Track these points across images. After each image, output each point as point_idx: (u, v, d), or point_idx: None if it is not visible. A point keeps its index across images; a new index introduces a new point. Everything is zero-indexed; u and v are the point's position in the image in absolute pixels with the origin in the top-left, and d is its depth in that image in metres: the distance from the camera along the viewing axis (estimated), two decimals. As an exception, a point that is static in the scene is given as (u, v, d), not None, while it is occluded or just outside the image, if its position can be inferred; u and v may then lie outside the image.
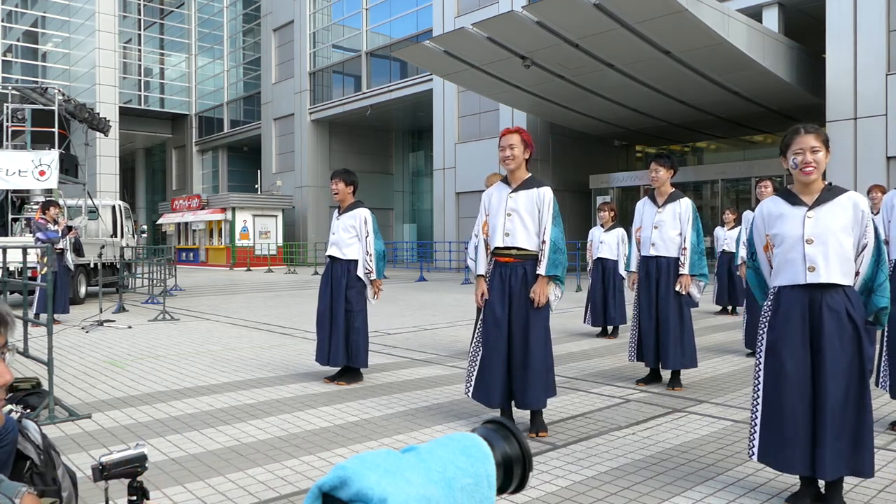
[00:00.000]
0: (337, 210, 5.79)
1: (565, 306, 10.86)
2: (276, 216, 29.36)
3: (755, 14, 16.33)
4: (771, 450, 2.97)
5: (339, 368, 5.64)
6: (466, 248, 20.07)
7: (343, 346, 5.53)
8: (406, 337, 8.23)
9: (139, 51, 42.12)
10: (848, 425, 2.86)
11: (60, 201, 13.62)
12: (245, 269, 26.36)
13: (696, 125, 21.16)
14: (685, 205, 5.31)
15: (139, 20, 42.17)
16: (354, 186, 5.68)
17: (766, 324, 3.06)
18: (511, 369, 4.10)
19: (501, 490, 0.96)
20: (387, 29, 28.31)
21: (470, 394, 4.20)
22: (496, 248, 4.19)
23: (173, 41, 42.17)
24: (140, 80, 41.61)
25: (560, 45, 14.84)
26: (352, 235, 5.58)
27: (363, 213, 5.61)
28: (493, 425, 1.00)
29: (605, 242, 8.19)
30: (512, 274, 4.12)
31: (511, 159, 4.13)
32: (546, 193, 4.13)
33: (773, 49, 15.52)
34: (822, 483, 3.03)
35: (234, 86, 38.79)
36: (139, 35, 42.26)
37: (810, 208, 2.98)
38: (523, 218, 4.11)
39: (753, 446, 3.03)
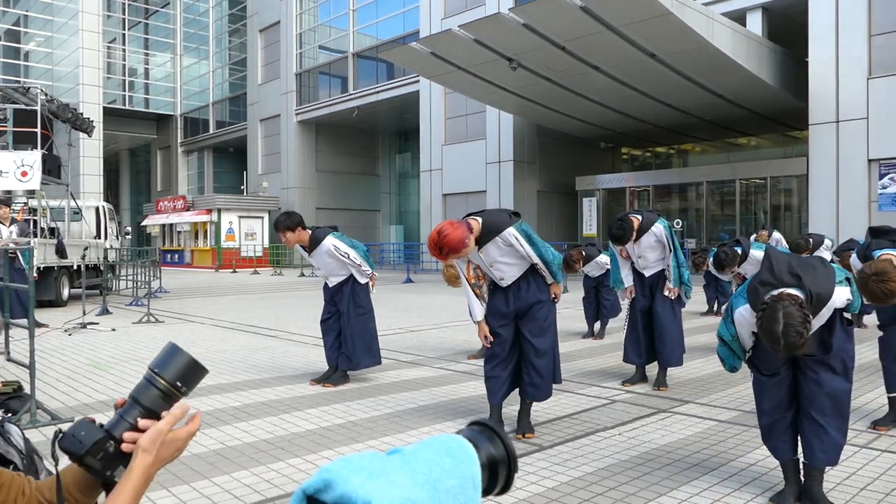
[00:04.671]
0: (302, 248, 5.70)
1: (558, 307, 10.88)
2: (262, 218, 29.22)
3: (739, 18, 16.48)
4: (766, 438, 3.18)
5: (346, 370, 5.67)
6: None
7: (363, 349, 5.60)
8: (392, 339, 8.21)
9: (123, 50, 41.78)
10: (829, 412, 3.02)
11: (43, 202, 13.48)
12: (231, 270, 26.21)
13: (682, 128, 21.31)
14: (659, 231, 5.37)
15: (123, 19, 41.83)
16: (300, 224, 5.55)
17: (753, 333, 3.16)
18: (517, 367, 4.24)
19: (487, 491, 0.96)
20: (373, 30, 28.28)
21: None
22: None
23: (158, 41, 41.87)
24: (124, 81, 41.28)
25: (546, 47, 14.89)
26: (335, 262, 5.62)
27: (329, 244, 5.51)
28: (479, 427, 1.00)
29: (590, 271, 8.23)
30: (516, 286, 4.21)
31: (464, 255, 4.05)
32: (508, 236, 4.05)
33: (757, 53, 15.66)
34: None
35: (220, 86, 38.57)
36: (123, 34, 41.92)
37: None
38: (504, 262, 4.16)
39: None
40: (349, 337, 5.58)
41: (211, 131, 38.60)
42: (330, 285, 5.76)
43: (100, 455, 1.06)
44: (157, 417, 1.11)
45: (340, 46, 29.39)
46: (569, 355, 7.00)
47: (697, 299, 10.59)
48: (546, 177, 22.34)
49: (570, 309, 10.01)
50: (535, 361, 4.15)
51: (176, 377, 1.13)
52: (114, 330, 9.07)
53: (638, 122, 20.34)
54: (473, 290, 4.29)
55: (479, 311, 4.27)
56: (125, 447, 1.08)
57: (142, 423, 1.09)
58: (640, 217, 5.43)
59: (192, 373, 1.14)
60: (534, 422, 4.28)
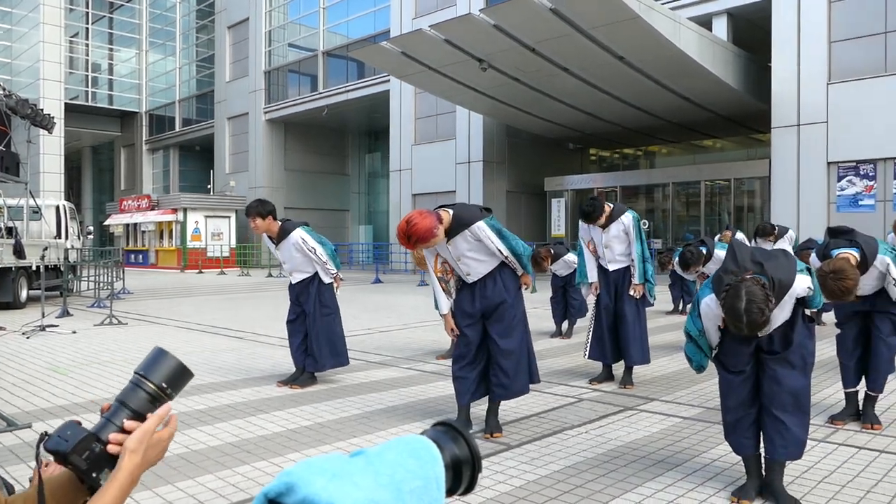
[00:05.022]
0: (269, 239, 5.64)
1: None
2: (229, 217, 28.84)
3: (705, 23, 16.76)
4: (729, 435, 3.23)
5: (314, 372, 5.61)
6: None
7: (328, 350, 5.55)
8: (361, 339, 8.18)
9: (86, 45, 40.88)
10: (788, 412, 3.08)
11: (0, 201, 13.14)
12: (197, 271, 25.83)
13: (649, 130, 21.59)
14: (628, 220, 5.45)
15: (87, 13, 40.94)
16: (272, 214, 5.51)
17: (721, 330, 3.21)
18: (486, 367, 4.22)
19: (451, 492, 0.96)
20: (344, 29, 28.12)
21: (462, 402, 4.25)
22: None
23: (123, 36, 41.06)
24: (87, 76, 40.39)
25: (517, 48, 14.96)
26: (302, 257, 5.55)
27: (298, 236, 5.49)
28: (443, 428, 1.00)
29: (558, 270, 8.31)
30: (482, 283, 4.19)
31: (432, 245, 4.04)
32: (477, 230, 4.05)
33: (723, 57, 15.95)
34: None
35: (187, 83, 37.98)
36: (87, 29, 41.02)
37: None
38: (472, 257, 4.15)
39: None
40: (314, 338, 5.53)
41: (177, 129, 37.99)
42: (294, 282, 5.67)
43: (86, 454, 1.05)
44: (144, 420, 1.10)
45: (310, 44, 29.16)
46: (537, 354, 7.03)
47: (663, 298, 10.76)
48: (515, 177, 22.44)
49: (538, 308, 10.06)
50: (501, 362, 4.15)
51: (163, 380, 1.13)
52: (74, 332, 8.87)
53: (606, 123, 20.56)
54: (441, 285, 4.29)
55: (445, 304, 4.29)
56: (111, 448, 1.06)
57: (128, 424, 1.08)
58: (611, 205, 5.52)
59: (179, 376, 1.16)
60: (502, 421, 4.30)
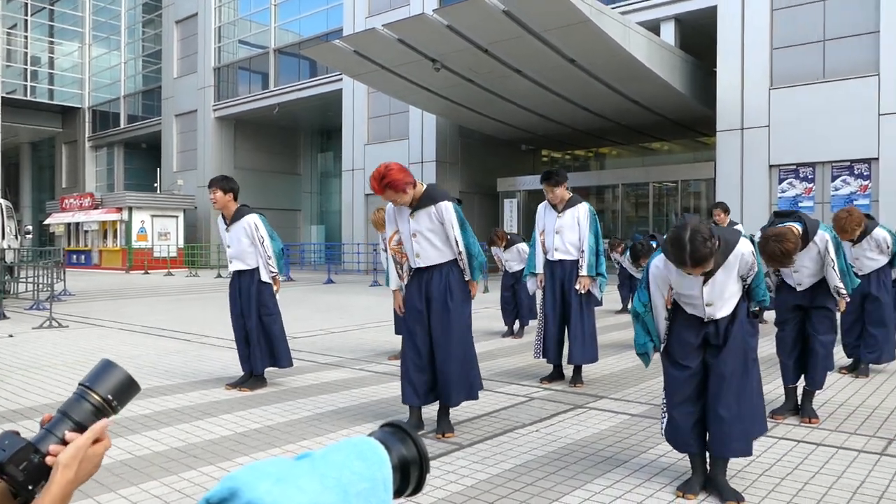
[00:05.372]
0: (222, 220, 5.54)
1: (475, 306, 10.99)
2: (176, 217, 28.17)
3: (654, 28, 17.13)
4: (672, 433, 3.26)
5: (258, 373, 5.50)
6: (375, 251, 19.93)
7: (266, 351, 5.44)
8: (312, 340, 8.09)
9: (25, 37, 39.38)
10: (737, 408, 3.13)
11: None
12: (142, 272, 25.16)
13: (599, 132, 21.96)
14: (583, 210, 5.52)
15: (25, 4, 39.44)
16: (234, 193, 5.44)
17: (667, 327, 3.27)
18: (434, 369, 4.15)
19: (399, 492, 0.95)
20: (296, 26, 27.77)
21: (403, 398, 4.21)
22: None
23: (65, 29, 39.69)
24: (26, 70, 38.91)
25: (470, 49, 15.02)
26: (248, 244, 5.44)
27: (252, 220, 5.42)
28: (391, 429, 1.00)
29: (510, 260, 8.43)
30: (429, 279, 4.15)
31: (403, 204, 4.06)
32: (444, 209, 4.07)
33: (670, 62, 16.33)
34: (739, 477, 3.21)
35: (133, 79, 36.95)
36: (25, 20, 39.52)
37: (706, 279, 3.11)
38: (428, 237, 4.10)
39: (663, 426, 3.33)
40: (255, 340, 5.41)
41: (122, 126, 36.91)
42: (231, 269, 5.52)
43: (23, 465, 1.01)
44: None
45: (261, 42, 28.71)
46: (489, 354, 7.08)
47: (612, 297, 10.96)
48: (468, 178, 22.54)
49: (489, 308, 10.12)
50: (441, 368, 4.09)
51: (109, 392, 1.10)
52: (11, 336, 8.53)
53: (558, 125, 20.82)
54: (395, 267, 4.30)
55: (396, 281, 4.33)
56: (50, 460, 1.02)
57: (69, 436, 1.04)
58: (571, 194, 5.58)
59: (126, 389, 1.12)
60: (453, 421, 4.31)
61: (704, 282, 3.09)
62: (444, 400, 4.15)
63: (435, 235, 4.09)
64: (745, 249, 3.12)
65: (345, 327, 9.30)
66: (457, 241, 4.08)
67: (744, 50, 16.20)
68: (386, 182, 3.88)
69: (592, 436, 4.12)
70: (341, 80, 23.84)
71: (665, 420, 3.30)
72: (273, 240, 5.49)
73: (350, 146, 24.49)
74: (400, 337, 5.52)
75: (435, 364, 4.15)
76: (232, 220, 5.46)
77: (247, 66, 29.49)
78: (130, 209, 26.83)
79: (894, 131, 14.86)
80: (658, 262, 3.17)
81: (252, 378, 5.48)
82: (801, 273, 4.45)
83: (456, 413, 4.46)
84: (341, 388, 5.49)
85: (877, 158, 15.10)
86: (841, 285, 4.37)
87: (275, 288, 5.55)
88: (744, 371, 3.15)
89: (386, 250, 4.56)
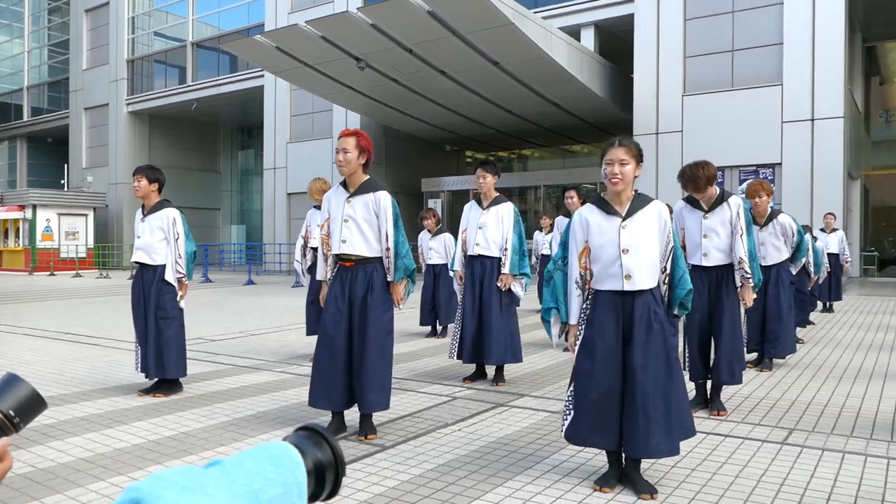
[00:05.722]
0: (141, 210, 5.34)
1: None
2: (86, 215, 26.81)
3: (574, 33, 17.58)
4: (581, 431, 3.23)
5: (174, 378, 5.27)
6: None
7: (158, 353, 5.17)
8: (231, 343, 7.87)
9: (-84, 22, 36.65)
10: (662, 408, 3.15)
11: None
12: (48, 273, 23.84)
13: (522, 134, 22.34)
14: (507, 208, 5.59)
15: (-84, -13, 36.70)
16: (160, 184, 5.27)
17: (584, 320, 3.30)
18: (351, 372, 4.06)
19: (314, 497, 0.94)
20: (215, 19, 26.97)
21: (311, 402, 4.10)
22: (336, 254, 4.14)
23: (-40, 15, 37.18)
24: (-84, 57, 36.23)
25: (394, 49, 14.99)
26: (160, 238, 5.22)
27: (171, 214, 5.24)
28: (305, 432, 0.97)
29: (434, 249, 8.45)
30: (353, 278, 4.08)
31: (343, 164, 4.07)
32: (383, 199, 4.08)
33: (590, 67, 16.79)
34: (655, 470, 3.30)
35: (37, 69, 34.97)
36: (-85, 4, 36.78)
37: (624, 219, 3.23)
38: (360, 225, 4.06)
39: (564, 426, 3.31)
40: (150, 343, 5.16)
41: (25, 118, 34.87)
42: (133, 259, 5.28)
43: None
44: None
45: (178, 34, 27.74)
46: (412, 354, 7.08)
47: (533, 297, 11.15)
48: (392, 178, 22.49)
49: (414, 308, 10.13)
50: (362, 371, 4.01)
51: (11, 408, 1.01)
52: None
53: (482, 126, 21.05)
54: (322, 260, 4.28)
55: (322, 271, 4.28)
56: None
57: None
58: (498, 194, 5.64)
59: (31, 405, 1.03)
60: (376, 422, 4.28)
61: (622, 225, 3.22)
62: (359, 406, 4.06)
63: (367, 225, 4.06)
64: (662, 208, 3.30)
65: (266, 329, 9.10)
66: (387, 236, 4.06)
67: (659, 57, 16.86)
68: (354, 133, 4.05)
69: (514, 433, 4.18)
70: (263, 76, 23.33)
71: (569, 418, 3.26)
72: (188, 240, 5.30)
73: (272, 144, 24.01)
74: (311, 338, 5.38)
75: (351, 368, 4.05)
76: (150, 210, 5.26)
77: (163, 60, 28.44)
78: (34, 207, 25.36)
79: (796, 138, 15.80)
80: (582, 210, 3.36)
81: (166, 383, 5.27)
82: (710, 240, 4.61)
83: (378, 414, 4.44)
84: (261, 391, 5.36)
85: (780, 163, 16.00)
86: (749, 271, 4.54)
87: (180, 293, 5.26)
88: (667, 371, 3.17)
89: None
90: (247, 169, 32.45)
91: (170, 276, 5.22)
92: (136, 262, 5.30)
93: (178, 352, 5.25)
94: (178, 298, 5.28)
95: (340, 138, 4.11)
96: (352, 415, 4.35)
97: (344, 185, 4.20)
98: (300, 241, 6.54)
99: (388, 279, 4.12)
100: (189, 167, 30.11)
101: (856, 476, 3.42)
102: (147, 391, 5.23)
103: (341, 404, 4.06)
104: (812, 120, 15.53)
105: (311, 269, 6.35)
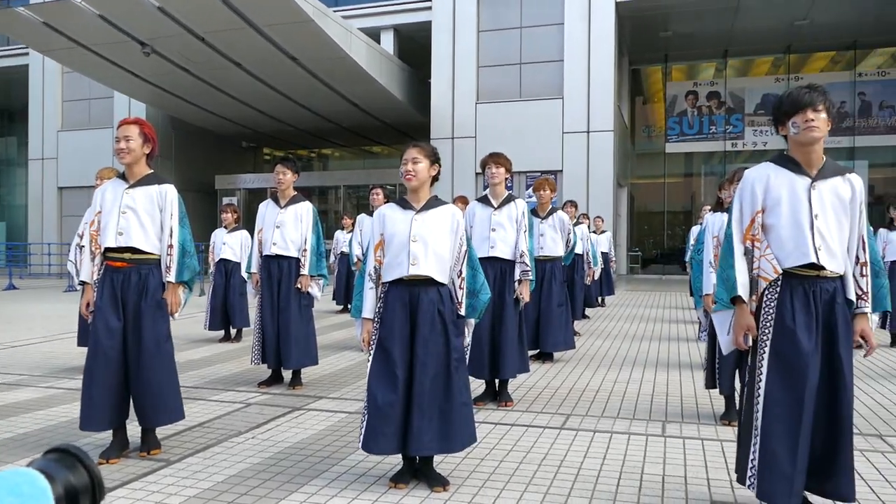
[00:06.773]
0: None
1: (187, 311, 10.29)
2: None
3: (374, 35, 17.77)
4: (371, 438, 3.21)
5: None
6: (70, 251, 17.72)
7: None
8: (-15, 356, 6.88)
9: None
10: (436, 407, 3.22)
11: None
12: None
13: (322, 132, 22.11)
14: (306, 207, 5.48)
15: None
16: None
17: (379, 319, 3.32)
18: (128, 385, 3.71)
19: (69, 528, 0.84)
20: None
21: (81, 425, 3.66)
22: (108, 250, 3.73)
23: None
24: None
25: (184, 35, 14.08)
26: None
27: None
28: (56, 454, 0.87)
29: (228, 244, 8.07)
30: (125, 281, 3.71)
31: (126, 152, 3.71)
32: (169, 192, 3.81)
33: (389, 69, 17.07)
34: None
35: None
36: None
37: (417, 212, 3.36)
38: (141, 217, 3.72)
39: (361, 436, 3.27)
40: None
41: None
42: None
43: None
44: None
45: (-86, -3, 23.63)
46: (203, 361, 6.70)
47: (330, 297, 11.10)
48: (182, 174, 21.10)
49: (201, 313, 9.58)
50: (142, 382, 3.68)
51: None
52: None
53: (280, 123, 20.50)
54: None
55: (88, 271, 3.82)
56: None
57: None
58: (297, 193, 5.53)
59: None
60: (160, 436, 3.97)
61: (414, 218, 3.33)
62: (140, 420, 3.75)
63: (149, 218, 3.75)
64: (456, 211, 3.42)
65: (31, 340, 8.08)
66: (172, 232, 3.77)
67: (455, 65, 17.60)
68: (142, 124, 3.79)
69: (310, 437, 4.11)
70: (28, 54, 20.71)
71: (364, 427, 3.24)
72: None
73: (39, 132, 21.41)
74: (84, 349, 4.83)
75: (128, 380, 3.72)
76: None
77: None
78: None
79: (574, 148, 17.34)
80: (383, 207, 3.48)
81: None
82: (497, 233, 4.93)
83: (163, 428, 4.12)
84: (23, 410, 4.74)
85: (561, 170, 17.47)
86: (528, 265, 4.86)
87: None
88: (446, 372, 3.24)
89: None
90: (8, 159, 28.60)
91: None
92: None
93: None
94: None
95: (121, 126, 3.76)
96: (134, 430, 4.00)
97: (123, 177, 3.85)
98: (76, 240, 5.88)
99: (168, 279, 3.78)
100: (-70, 154, 25.86)
101: (620, 453, 3.82)
102: None
103: (118, 421, 3.72)
104: (588, 132, 17.15)
105: None
